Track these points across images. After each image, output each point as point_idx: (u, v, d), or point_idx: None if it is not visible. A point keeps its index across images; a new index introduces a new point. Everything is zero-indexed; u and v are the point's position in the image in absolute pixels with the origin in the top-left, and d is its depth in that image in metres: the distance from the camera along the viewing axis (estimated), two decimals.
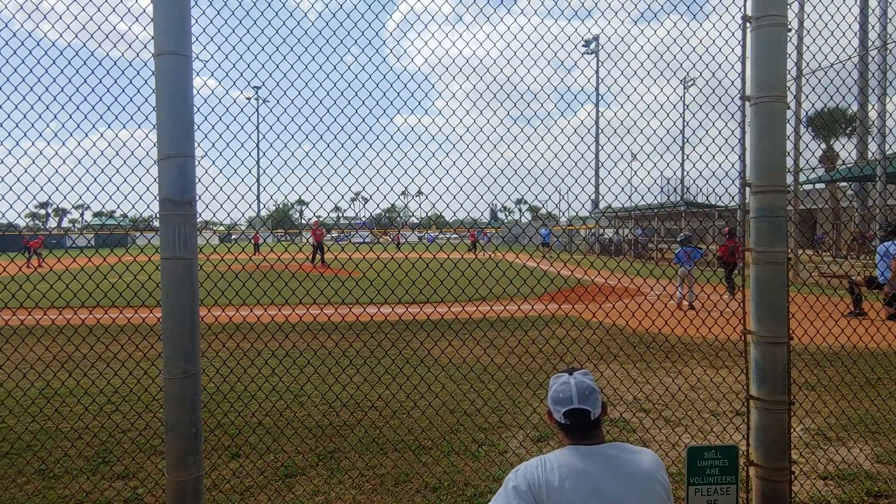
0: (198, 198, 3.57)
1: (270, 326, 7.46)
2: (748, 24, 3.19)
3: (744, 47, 3.25)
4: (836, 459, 4.06)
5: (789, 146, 4.50)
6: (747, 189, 3.20)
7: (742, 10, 3.21)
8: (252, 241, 28.48)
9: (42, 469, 3.95)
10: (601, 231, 36.73)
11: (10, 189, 3.31)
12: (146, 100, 3.28)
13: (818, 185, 21.70)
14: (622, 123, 4.15)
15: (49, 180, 3.26)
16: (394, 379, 5.50)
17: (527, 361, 6.06)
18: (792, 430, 4.55)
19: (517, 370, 6.15)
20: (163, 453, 4.09)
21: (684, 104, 38.17)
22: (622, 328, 8.87)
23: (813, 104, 5.79)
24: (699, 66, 3.84)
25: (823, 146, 25.76)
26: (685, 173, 36.68)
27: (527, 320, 8.50)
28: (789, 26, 3.18)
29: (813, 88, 4.99)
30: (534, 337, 7.37)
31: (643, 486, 1.81)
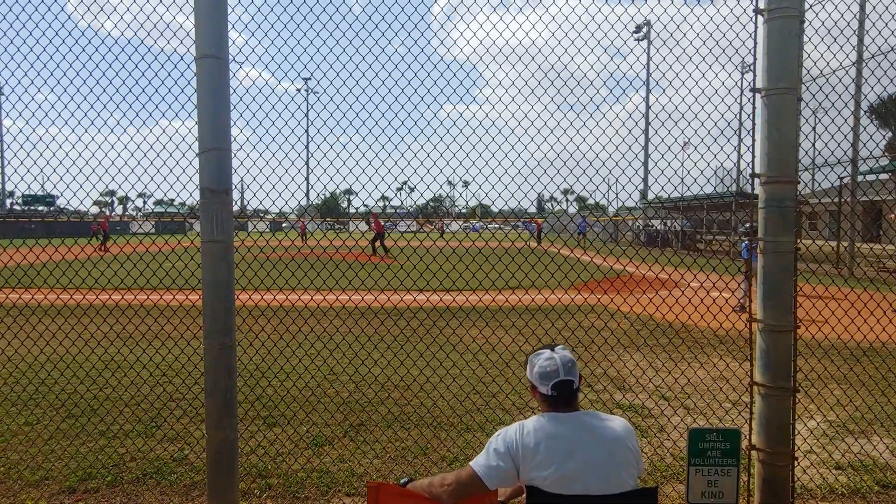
0: (247, 187, 3.87)
1: (313, 310, 7.85)
2: (760, 17, 3.24)
3: (755, 40, 3.29)
4: (853, 451, 4.06)
5: (847, 133, 4.43)
6: (756, 180, 3.27)
7: (754, 3, 3.24)
8: (299, 230, 29.48)
9: (103, 430, 4.41)
10: (648, 222, 35.98)
11: (94, 178, 3.71)
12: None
13: (881, 176, 20.64)
14: (676, 109, 4.01)
15: (122, 170, 3.65)
16: (416, 362, 5.75)
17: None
18: (805, 421, 4.56)
19: None
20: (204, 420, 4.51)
21: (741, 89, 36.71)
22: (654, 319, 8.85)
23: (873, 89, 5.57)
24: (745, 51, 3.67)
25: (889, 135, 24.41)
26: (740, 158, 35.33)
27: (565, 310, 8.60)
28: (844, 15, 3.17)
29: (873, 73, 4.80)
30: (568, 325, 7.48)
31: (613, 449, 1.97)
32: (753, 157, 3.31)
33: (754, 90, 3.28)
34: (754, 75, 3.29)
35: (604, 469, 1.93)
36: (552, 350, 2.14)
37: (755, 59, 3.30)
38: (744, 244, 11.97)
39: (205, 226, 3.06)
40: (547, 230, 34.56)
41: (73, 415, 4.72)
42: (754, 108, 3.32)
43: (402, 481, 2.24)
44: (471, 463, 2.05)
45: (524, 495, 2.14)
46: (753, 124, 3.32)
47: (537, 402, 2.16)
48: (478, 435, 4.35)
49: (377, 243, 22.20)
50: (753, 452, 3.26)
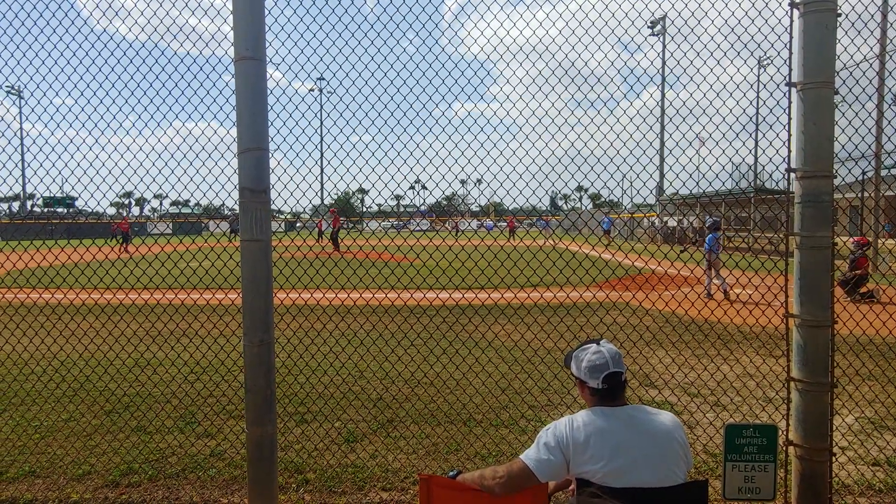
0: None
1: (340, 309, 7.93)
2: (796, 11, 3.22)
3: (791, 34, 3.26)
4: (891, 447, 4.03)
5: (871, 128, 4.35)
6: (792, 175, 3.25)
7: None
8: (317, 228, 29.73)
9: (138, 427, 4.51)
10: (665, 219, 35.72)
11: (111, 180, 3.80)
12: (228, 98, 3.64)
13: None
14: (697, 104, 3.90)
15: (149, 171, 3.71)
16: (451, 359, 5.78)
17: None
18: (843, 417, 4.52)
19: (567, 353, 6.29)
20: (240, 416, 4.59)
21: (760, 84, 36.20)
22: (679, 316, 8.80)
23: None
24: (778, 46, 3.52)
25: None
26: (759, 157, 34.89)
27: (587, 306, 8.59)
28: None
29: None
30: (590, 321, 7.48)
31: (661, 442, 1.99)
32: (789, 151, 3.29)
33: (789, 84, 3.26)
34: (790, 69, 3.26)
35: (654, 462, 1.95)
36: (598, 344, 2.17)
37: (790, 53, 3.27)
38: (708, 237, 12.13)
39: (244, 225, 3.12)
40: (542, 227, 34.73)
41: (114, 411, 4.84)
42: (790, 102, 3.29)
43: (451, 473, 2.28)
44: (521, 456, 2.08)
45: (570, 488, 2.17)
46: (789, 118, 3.30)
47: (584, 397, 2.18)
48: (512, 431, 4.38)
49: (332, 239, 23.06)
50: (791, 448, 3.25)
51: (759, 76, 37.24)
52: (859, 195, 14.87)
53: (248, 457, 3.11)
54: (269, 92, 3.15)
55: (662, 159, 36.16)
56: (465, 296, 7.35)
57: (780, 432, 3.23)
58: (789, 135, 3.29)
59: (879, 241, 18.08)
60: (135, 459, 3.93)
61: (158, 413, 4.79)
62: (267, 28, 3.13)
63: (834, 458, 3.22)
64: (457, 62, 3.55)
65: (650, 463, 1.95)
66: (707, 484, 2.04)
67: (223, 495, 3.52)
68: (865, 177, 16.53)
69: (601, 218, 29.76)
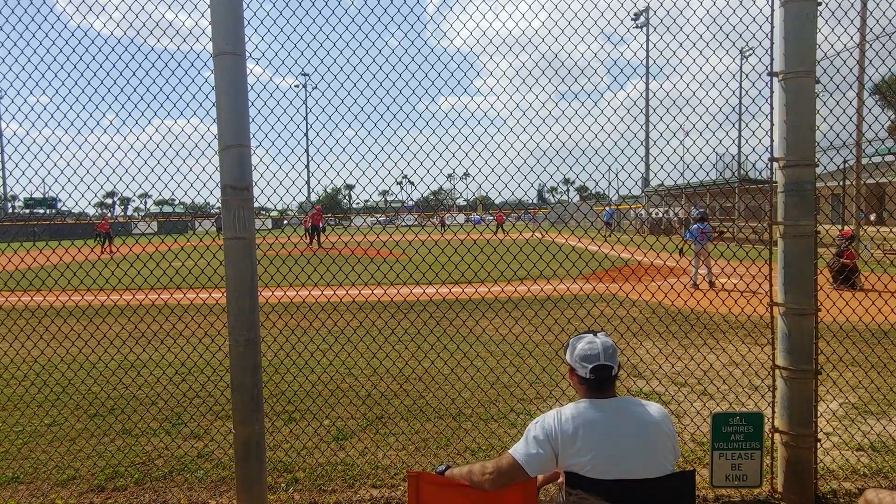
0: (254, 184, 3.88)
1: (326, 306, 7.87)
2: (776, 0, 3.23)
3: (772, 23, 3.27)
4: (874, 432, 4.09)
5: (851, 116, 4.35)
6: (775, 164, 3.27)
7: None
8: (303, 225, 29.55)
9: (124, 429, 4.45)
10: (651, 210, 35.98)
11: (90, 180, 3.72)
12: (208, 94, 3.58)
13: (888, 158, 20.53)
14: (679, 96, 3.97)
15: (129, 170, 3.64)
16: (438, 354, 5.77)
17: (566, 337, 6.22)
18: (827, 403, 4.58)
19: (555, 346, 6.32)
20: (227, 417, 4.54)
21: (742, 74, 36.47)
22: (666, 307, 8.86)
23: (877, 69, 5.35)
24: (759, 36, 3.54)
25: (893, 116, 24.23)
26: (742, 147, 35.19)
27: (575, 300, 8.60)
28: None
29: (877, 53, 4.66)
30: (577, 314, 7.51)
31: (650, 434, 2.00)
32: (772, 141, 3.31)
33: (771, 74, 3.28)
34: (771, 59, 3.28)
35: (642, 454, 1.96)
36: (595, 335, 2.17)
37: (772, 42, 3.29)
38: (692, 228, 12.41)
39: (227, 223, 3.07)
40: (528, 220, 35.05)
41: (98, 414, 4.76)
42: (771, 91, 3.31)
43: (439, 468, 2.27)
44: (510, 451, 2.08)
45: (559, 481, 2.17)
46: (771, 108, 3.32)
47: (574, 386, 2.18)
48: (502, 425, 4.39)
49: (314, 237, 23.22)
50: (777, 435, 3.28)
51: (741, 66, 37.53)
52: (841, 184, 15.05)
53: (236, 457, 3.08)
54: (250, 88, 3.10)
55: (648, 151, 36.38)
56: (453, 290, 7.33)
57: (766, 419, 3.27)
58: (771, 124, 3.31)
59: (861, 229, 18.34)
60: (120, 463, 3.87)
61: (144, 415, 4.72)
62: (246, 22, 3.07)
63: (819, 444, 3.26)
64: (439, 55, 3.52)
65: (638, 454, 1.95)
66: (694, 474, 2.05)
67: (212, 497, 3.48)
68: (847, 165, 16.73)
69: (608, 211, 30.09)
